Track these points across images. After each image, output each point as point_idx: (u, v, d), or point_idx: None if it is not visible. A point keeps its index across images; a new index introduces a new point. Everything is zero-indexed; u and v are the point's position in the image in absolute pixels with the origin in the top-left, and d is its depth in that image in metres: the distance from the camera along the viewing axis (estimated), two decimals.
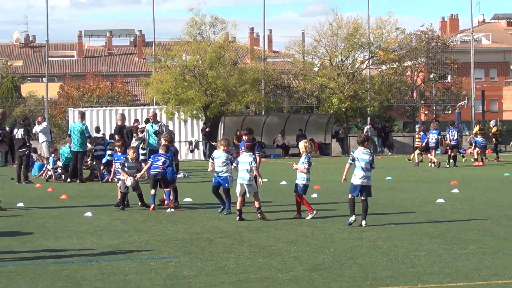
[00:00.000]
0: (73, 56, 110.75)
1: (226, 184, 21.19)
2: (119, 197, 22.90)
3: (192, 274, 13.47)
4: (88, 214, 22.38)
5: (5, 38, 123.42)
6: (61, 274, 13.64)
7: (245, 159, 20.14)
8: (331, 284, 12.40)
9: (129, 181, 21.86)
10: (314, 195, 26.16)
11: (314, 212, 20.20)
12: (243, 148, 22.02)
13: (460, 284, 12.16)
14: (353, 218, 18.86)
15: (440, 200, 23.49)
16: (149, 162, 22.96)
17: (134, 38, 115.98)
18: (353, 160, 19.07)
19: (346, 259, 14.63)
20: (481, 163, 42.92)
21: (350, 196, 19.08)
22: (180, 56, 61.87)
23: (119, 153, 24.21)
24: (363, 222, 18.75)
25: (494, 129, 48.17)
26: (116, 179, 24.15)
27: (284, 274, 13.33)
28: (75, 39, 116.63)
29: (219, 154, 21.47)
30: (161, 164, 22.47)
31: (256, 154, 22.00)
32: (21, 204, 24.96)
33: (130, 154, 22.53)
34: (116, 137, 31.74)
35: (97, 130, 41.04)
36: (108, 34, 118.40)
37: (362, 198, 18.96)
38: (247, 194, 20.06)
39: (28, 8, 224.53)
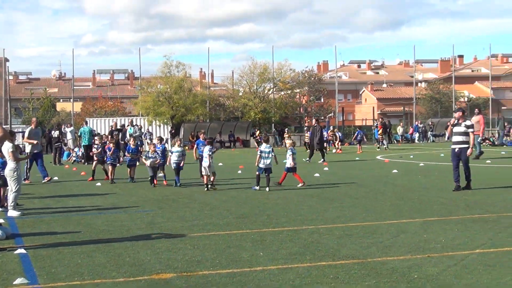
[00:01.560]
0: (89, 86, 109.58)
1: (180, 167, 21.07)
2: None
3: (163, 221, 13.40)
4: (98, 184, 22.14)
5: (47, 74, 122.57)
6: (81, 222, 13.52)
7: (206, 149, 19.98)
8: (250, 226, 12.39)
9: (148, 162, 21.39)
10: (239, 171, 26.16)
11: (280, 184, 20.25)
12: (201, 143, 21.99)
13: (329, 226, 12.18)
14: (257, 187, 18.97)
15: (317, 174, 23.57)
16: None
17: (128, 74, 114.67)
18: (261, 152, 19.26)
19: (259, 211, 14.61)
20: (339, 151, 43.19)
21: (257, 173, 19.22)
22: (156, 86, 61.88)
23: (112, 147, 23.92)
24: (267, 189, 18.78)
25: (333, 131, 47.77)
26: (108, 163, 23.74)
27: (221, 220, 13.29)
28: (91, 75, 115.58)
29: (177, 149, 21.36)
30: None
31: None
32: (56, 178, 24.64)
33: (152, 148, 22.03)
34: (109, 137, 32.02)
35: (96, 134, 41.12)
36: (111, 72, 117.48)
37: (266, 174, 19.08)
38: (208, 173, 19.76)
39: (61, 55, 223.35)
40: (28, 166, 23.94)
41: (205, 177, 19.78)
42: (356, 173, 25.34)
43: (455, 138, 18.31)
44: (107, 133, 40.39)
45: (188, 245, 10.53)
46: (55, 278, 8.45)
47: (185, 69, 63.07)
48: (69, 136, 41.93)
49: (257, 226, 12.42)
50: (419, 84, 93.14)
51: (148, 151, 22.00)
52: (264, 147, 19.48)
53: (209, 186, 19.45)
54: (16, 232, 12.32)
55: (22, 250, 10.19)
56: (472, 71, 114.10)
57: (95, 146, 25.44)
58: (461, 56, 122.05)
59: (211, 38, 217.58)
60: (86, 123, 41.16)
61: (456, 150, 18.23)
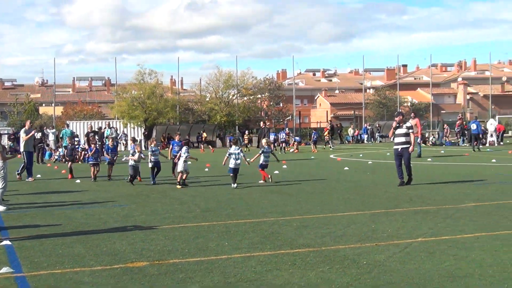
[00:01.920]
0: (70, 91, 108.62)
1: (159, 165, 20.78)
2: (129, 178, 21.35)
3: (137, 214, 13.33)
4: (78, 181, 21.96)
5: (30, 81, 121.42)
6: (62, 215, 13.40)
7: (183, 150, 19.82)
8: (215, 218, 12.38)
9: (131, 162, 20.93)
10: (206, 169, 26.10)
11: (269, 178, 19.95)
12: (176, 143, 21.85)
13: (287, 218, 12.22)
14: (235, 185, 18.56)
15: (276, 172, 23.59)
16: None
17: (105, 81, 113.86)
18: (229, 154, 19.12)
19: (224, 205, 14.60)
20: (296, 151, 43.28)
21: (231, 174, 18.90)
22: (131, 92, 61.48)
23: (93, 148, 23.61)
24: (233, 185, 18.56)
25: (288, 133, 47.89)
26: (90, 164, 23.34)
27: (189, 213, 13.27)
28: (71, 81, 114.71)
29: (155, 148, 21.13)
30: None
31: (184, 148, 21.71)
32: (39, 176, 24.38)
33: (138, 148, 21.51)
34: (89, 138, 32.47)
35: (76, 136, 40.91)
36: (90, 79, 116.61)
37: (235, 173, 18.88)
38: (181, 170, 19.53)
39: (44, 64, 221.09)
40: (25, 165, 23.57)
41: (179, 174, 19.67)
42: (311, 170, 25.45)
43: (397, 139, 18.53)
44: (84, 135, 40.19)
45: (160, 236, 10.49)
46: (38, 267, 8.37)
47: (157, 77, 62.81)
48: (51, 137, 41.68)
49: (222, 219, 12.41)
50: (367, 90, 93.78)
51: (135, 150, 21.59)
52: (233, 149, 19.32)
53: (181, 183, 19.33)
54: (2, 225, 12.18)
55: (7, 242, 10.08)
56: (415, 78, 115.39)
57: (71, 146, 25.22)
58: (405, 66, 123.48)
59: (181, 49, 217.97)
60: (68, 125, 41.59)
61: (399, 150, 18.44)
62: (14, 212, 14.16)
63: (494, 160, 28.14)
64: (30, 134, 23.64)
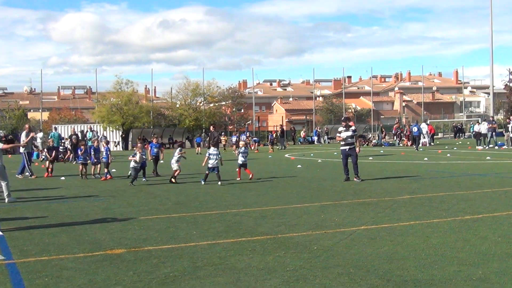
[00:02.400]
0: (55, 99, 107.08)
1: (145, 166, 20.26)
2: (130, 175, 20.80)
3: (116, 207, 13.20)
4: (62, 178, 21.65)
5: (19, 89, 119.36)
6: (48, 208, 13.21)
7: (175, 152, 19.59)
8: (185, 210, 12.32)
9: (133, 163, 20.28)
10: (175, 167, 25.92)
11: (239, 178, 19.49)
12: (154, 146, 21.65)
13: (248, 209, 12.22)
14: (203, 182, 18.22)
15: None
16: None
17: (87, 89, 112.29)
18: (209, 154, 18.70)
19: (193, 198, 14.55)
20: (256, 151, 43.32)
21: (206, 172, 18.47)
22: (110, 99, 60.92)
23: (83, 148, 23.02)
24: (219, 183, 17.91)
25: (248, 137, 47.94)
26: (79, 163, 22.80)
27: (162, 206, 13.19)
28: (56, 90, 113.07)
29: (137, 152, 20.62)
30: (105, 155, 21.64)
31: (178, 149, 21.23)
32: (27, 174, 23.96)
33: (139, 149, 20.19)
34: (72, 140, 32.30)
35: (61, 138, 40.42)
36: (73, 88, 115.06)
37: (215, 172, 18.28)
38: (176, 168, 19.30)
39: (32, 74, 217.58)
40: (28, 163, 23.06)
41: (174, 172, 19.38)
42: (269, 168, 25.49)
43: (345, 141, 18.68)
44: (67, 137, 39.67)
45: (136, 226, 10.41)
46: (27, 255, 8.24)
47: (133, 86, 62.54)
48: (38, 140, 41.13)
49: (191, 210, 12.35)
50: (317, 98, 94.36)
51: (136, 152, 20.96)
52: (212, 150, 18.86)
53: (172, 179, 19.12)
54: None
55: None
56: (358, 88, 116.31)
57: (51, 147, 24.86)
58: (349, 77, 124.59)
59: (154, 61, 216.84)
60: (55, 129, 41.25)
61: (347, 150, 18.60)
62: (5, 206, 13.90)
63: (426, 159, 28.55)
64: (30, 136, 23.29)
